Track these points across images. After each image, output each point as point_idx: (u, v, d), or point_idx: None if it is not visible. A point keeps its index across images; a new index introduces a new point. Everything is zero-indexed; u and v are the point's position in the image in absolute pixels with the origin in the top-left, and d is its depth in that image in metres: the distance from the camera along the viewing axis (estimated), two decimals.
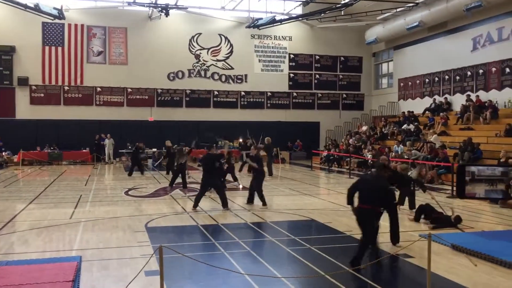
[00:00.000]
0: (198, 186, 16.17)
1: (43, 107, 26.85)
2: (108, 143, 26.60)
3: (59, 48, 27.12)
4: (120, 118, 27.75)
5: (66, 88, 27.28)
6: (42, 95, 26.98)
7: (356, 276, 6.66)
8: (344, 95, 31.65)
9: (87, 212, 11.70)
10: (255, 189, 12.50)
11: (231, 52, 29.77)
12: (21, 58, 26.59)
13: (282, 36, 30.48)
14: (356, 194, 7.47)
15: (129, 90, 28.19)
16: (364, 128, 28.17)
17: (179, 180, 16.07)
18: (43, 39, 26.92)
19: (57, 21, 26.24)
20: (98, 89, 27.75)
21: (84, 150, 26.85)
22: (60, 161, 26.13)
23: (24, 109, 26.72)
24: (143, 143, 23.09)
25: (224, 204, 11.90)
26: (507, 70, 21.18)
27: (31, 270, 6.64)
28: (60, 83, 27.17)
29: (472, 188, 2.07)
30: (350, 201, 7.49)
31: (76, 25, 27.35)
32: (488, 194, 2.07)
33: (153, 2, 25.66)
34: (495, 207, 11.89)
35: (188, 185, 15.84)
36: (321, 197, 14.57)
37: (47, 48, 26.97)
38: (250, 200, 12.69)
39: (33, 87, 26.83)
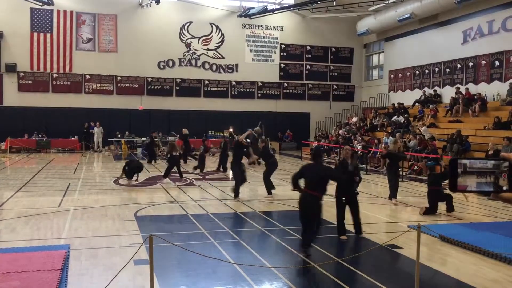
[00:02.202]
0: (189, 176, 16.17)
1: (31, 94, 26.53)
2: (97, 131, 26.40)
3: (48, 35, 26.76)
4: (109, 106, 27.51)
5: (54, 75, 26.96)
6: (30, 82, 26.65)
7: (345, 267, 6.70)
8: (335, 86, 31.67)
9: (76, 200, 11.63)
10: (264, 177, 12.48)
11: (222, 41, 29.59)
12: (9, 44, 26.20)
13: (274, 26, 30.35)
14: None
15: (119, 78, 27.95)
16: (354, 119, 28.23)
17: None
18: (31, 25, 26.53)
19: (45, 7, 25.86)
20: (87, 76, 27.47)
21: (72, 138, 26.63)
22: (48, 149, 25.88)
23: (12, 96, 26.37)
24: (156, 132, 23.16)
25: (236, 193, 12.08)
26: (497, 63, 21.30)
27: (19, 258, 6.59)
28: (48, 70, 26.84)
29: (464, 180, 2.04)
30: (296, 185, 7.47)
31: (65, 12, 26.98)
32: (480, 186, 2.04)
33: None
34: (483, 199, 12.02)
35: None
36: None
37: (35, 34, 26.60)
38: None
39: (21, 74, 26.48)
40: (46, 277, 5.83)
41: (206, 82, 29.36)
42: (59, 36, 26.90)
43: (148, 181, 15.16)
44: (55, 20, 26.81)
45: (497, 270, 6.61)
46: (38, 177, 15.71)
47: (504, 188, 1.40)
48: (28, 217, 9.54)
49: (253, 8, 28.25)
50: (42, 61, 26.73)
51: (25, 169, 18.52)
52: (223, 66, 29.67)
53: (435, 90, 24.76)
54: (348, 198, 8.24)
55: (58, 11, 26.78)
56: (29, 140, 25.65)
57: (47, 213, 10.00)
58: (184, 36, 28.97)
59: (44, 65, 26.76)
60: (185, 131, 20.83)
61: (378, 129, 25.32)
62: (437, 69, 25.06)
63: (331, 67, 31.55)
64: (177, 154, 15.27)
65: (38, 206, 10.72)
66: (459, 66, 23.50)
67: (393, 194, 11.90)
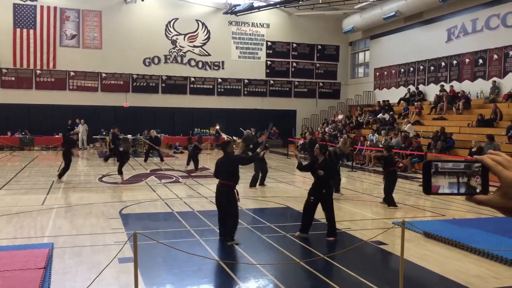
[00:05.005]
0: (174, 173, 16.10)
1: (14, 91, 26.16)
2: (82, 128, 26.12)
3: (31, 31, 26.39)
4: (94, 103, 27.24)
5: (38, 72, 26.62)
6: (13, 78, 26.28)
7: (330, 263, 6.73)
8: (321, 84, 31.75)
9: (60, 198, 11.50)
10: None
11: (208, 38, 29.48)
12: None
13: (260, 23, 30.32)
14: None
15: (104, 75, 27.69)
16: (340, 116, 28.36)
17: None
18: (14, 21, 26.14)
19: (29, 2, 25.53)
20: (72, 73, 27.17)
21: (56, 136, 26.32)
22: (31, 146, 25.58)
23: None
24: (117, 128, 22.37)
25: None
26: (480, 61, 21.54)
27: (1, 257, 6.50)
28: (32, 66, 26.48)
29: (436, 181, 2.02)
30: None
31: (48, 7, 26.63)
32: (453, 188, 2.01)
33: None
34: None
35: (160, 172, 15.71)
36: (296, 185, 14.66)
37: (18, 30, 26.22)
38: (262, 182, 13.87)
39: (4, 71, 26.09)
40: (29, 276, 5.76)
41: (192, 79, 29.23)
42: (43, 32, 26.55)
43: (133, 178, 15.05)
44: (38, 16, 26.45)
45: (480, 266, 6.69)
46: (21, 175, 15.51)
47: (478, 190, 1.41)
48: (11, 216, 9.42)
49: (239, 5, 28.15)
50: (25, 57, 26.37)
51: (8, 166, 18.28)
52: (209, 63, 29.56)
53: (420, 88, 24.94)
54: (317, 198, 8.09)
55: (42, 7, 26.43)
56: (12, 137, 25.31)
57: (31, 211, 9.88)
58: (169, 32, 28.79)
59: (28, 62, 26.40)
60: (153, 133, 20.99)
61: (364, 126, 25.47)
62: (421, 67, 25.27)
63: (317, 65, 31.62)
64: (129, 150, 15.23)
65: (21, 204, 10.58)
66: (443, 64, 23.72)
67: (336, 189, 12.15)
